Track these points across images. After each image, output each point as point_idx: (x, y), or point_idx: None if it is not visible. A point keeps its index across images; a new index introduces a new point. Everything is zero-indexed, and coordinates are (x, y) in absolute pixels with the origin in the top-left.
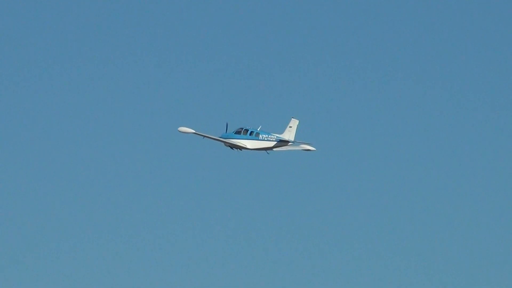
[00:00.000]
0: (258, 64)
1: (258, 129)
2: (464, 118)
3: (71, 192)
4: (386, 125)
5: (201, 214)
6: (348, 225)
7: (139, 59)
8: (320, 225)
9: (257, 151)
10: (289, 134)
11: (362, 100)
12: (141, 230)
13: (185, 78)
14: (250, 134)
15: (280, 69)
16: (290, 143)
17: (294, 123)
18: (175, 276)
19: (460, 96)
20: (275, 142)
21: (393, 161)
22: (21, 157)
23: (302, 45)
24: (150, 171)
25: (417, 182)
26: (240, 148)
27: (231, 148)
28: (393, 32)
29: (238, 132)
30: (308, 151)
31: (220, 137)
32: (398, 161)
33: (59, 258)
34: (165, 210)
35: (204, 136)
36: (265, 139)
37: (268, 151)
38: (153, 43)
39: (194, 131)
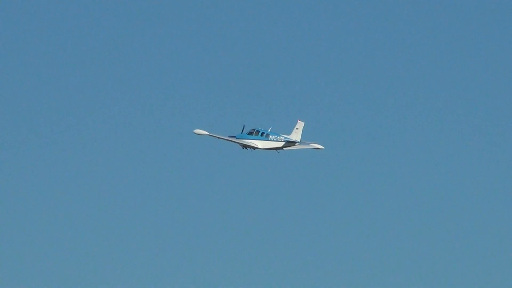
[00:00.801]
0: (268, 69)
1: (269, 130)
2: (469, 119)
3: (87, 194)
4: (388, 124)
5: (215, 212)
6: (355, 222)
7: (154, 64)
8: (327, 221)
9: (268, 150)
10: (296, 135)
11: (363, 102)
12: (158, 229)
13: (197, 82)
14: (261, 135)
15: (288, 74)
16: (297, 144)
17: (300, 125)
18: (192, 272)
19: (465, 97)
20: (284, 143)
21: (396, 158)
22: (34, 158)
23: (310, 50)
24: (167, 171)
25: (422, 178)
26: (253, 147)
27: (244, 148)
28: (399, 33)
29: (250, 133)
30: (317, 150)
31: (234, 138)
32: (401, 159)
33: (77, 258)
34: (182, 208)
35: (218, 138)
36: (275, 139)
37: (278, 150)
38: (168, 47)
39: (208, 133)
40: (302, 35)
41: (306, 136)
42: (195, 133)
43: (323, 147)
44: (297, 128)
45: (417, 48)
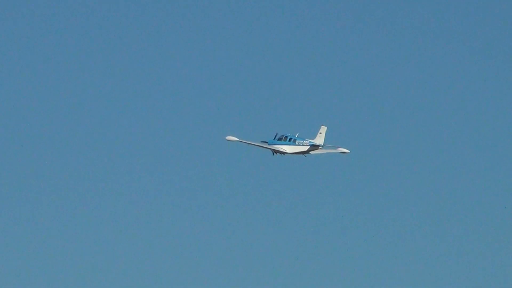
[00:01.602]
0: (293, 77)
1: (296, 136)
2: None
3: (119, 195)
4: (407, 127)
5: (247, 213)
6: (379, 220)
7: (185, 73)
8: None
9: (295, 155)
10: (319, 139)
11: (384, 106)
12: (194, 232)
13: (227, 91)
14: (289, 140)
15: (311, 81)
16: (320, 147)
17: (323, 129)
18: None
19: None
20: (309, 146)
21: (418, 159)
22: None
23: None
24: (202, 176)
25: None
26: (282, 153)
27: (274, 153)
28: (421, 36)
29: (279, 139)
30: (344, 154)
31: (266, 144)
32: (424, 162)
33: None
34: (219, 209)
35: (249, 144)
36: (301, 144)
37: (305, 154)
38: (196, 58)
39: (239, 139)
40: (324, 41)
41: (330, 141)
42: (227, 140)
43: (349, 151)
44: (320, 133)
45: (442, 51)
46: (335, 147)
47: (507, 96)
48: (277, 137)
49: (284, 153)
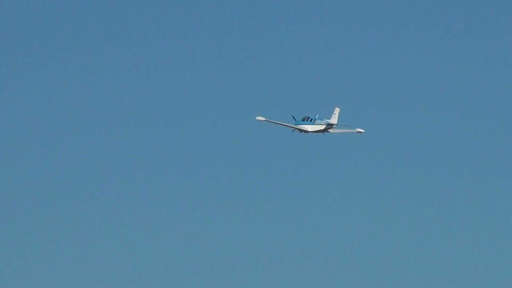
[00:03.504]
0: (314, 64)
1: (316, 117)
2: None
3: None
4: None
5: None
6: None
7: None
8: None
9: (315, 133)
10: (334, 119)
11: (395, 89)
12: (226, 201)
13: (257, 76)
14: (310, 120)
15: (329, 68)
16: (334, 125)
17: (337, 111)
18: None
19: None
20: (325, 125)
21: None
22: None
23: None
24: (232, 155)
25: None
26: (306, 131)
27: (300, 131)
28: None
29: (303, 119)
30: (359, 133)
31: (291, 124)
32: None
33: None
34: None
35: (277, 123)
36: (319, 123)
37: (324, 133)
38: (228, 45)
39: (267, 119)
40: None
41: (346, 121)
42: (257, 120)
43: (363, 131)
44: (334, 114)
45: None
46: (352, 127)
47: None
48: (298, 118)
49: (306, 131)
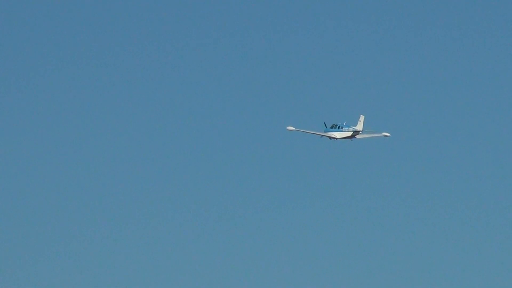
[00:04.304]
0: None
1: (344, 124)
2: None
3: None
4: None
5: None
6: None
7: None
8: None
9: (343, 139)
10: (359, 126)
11: (417, 96)
12: (254, 202)
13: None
14: (338, 127)
15: (354, 76)
16: (360, 132)
17: (362, 118)
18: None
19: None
20: (352, 132)
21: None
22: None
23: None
24: (262, 162)
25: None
26: (334, 138)
27: (329, 138)
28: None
29: (332, 127)
30: (386, 137)
31: (320, 132)
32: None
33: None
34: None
35: (306, 132)
36: (346, 130)
37: (351, 139)
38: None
39: (297, 129)
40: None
41: (373, 127)
42: (288, 129)
43: (389, 134)
44: (360, 121)
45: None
46: (379, 132)
47: None
48: (327, 126)
49: (335, 138)
